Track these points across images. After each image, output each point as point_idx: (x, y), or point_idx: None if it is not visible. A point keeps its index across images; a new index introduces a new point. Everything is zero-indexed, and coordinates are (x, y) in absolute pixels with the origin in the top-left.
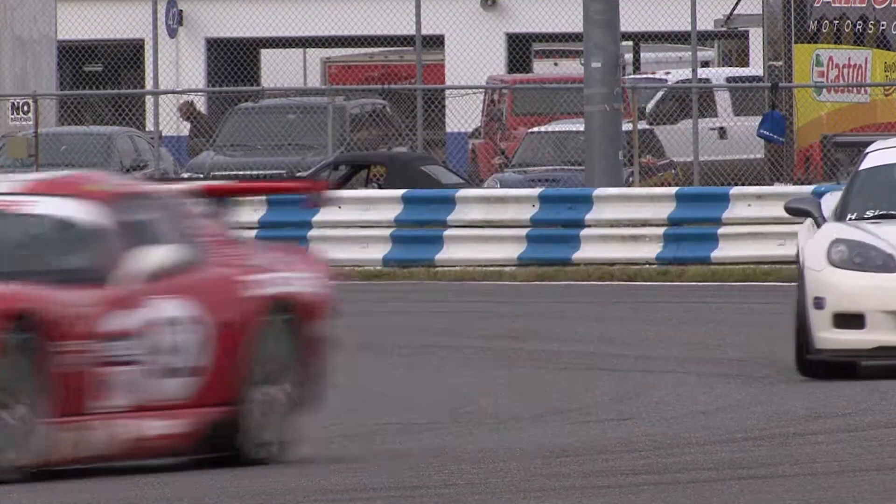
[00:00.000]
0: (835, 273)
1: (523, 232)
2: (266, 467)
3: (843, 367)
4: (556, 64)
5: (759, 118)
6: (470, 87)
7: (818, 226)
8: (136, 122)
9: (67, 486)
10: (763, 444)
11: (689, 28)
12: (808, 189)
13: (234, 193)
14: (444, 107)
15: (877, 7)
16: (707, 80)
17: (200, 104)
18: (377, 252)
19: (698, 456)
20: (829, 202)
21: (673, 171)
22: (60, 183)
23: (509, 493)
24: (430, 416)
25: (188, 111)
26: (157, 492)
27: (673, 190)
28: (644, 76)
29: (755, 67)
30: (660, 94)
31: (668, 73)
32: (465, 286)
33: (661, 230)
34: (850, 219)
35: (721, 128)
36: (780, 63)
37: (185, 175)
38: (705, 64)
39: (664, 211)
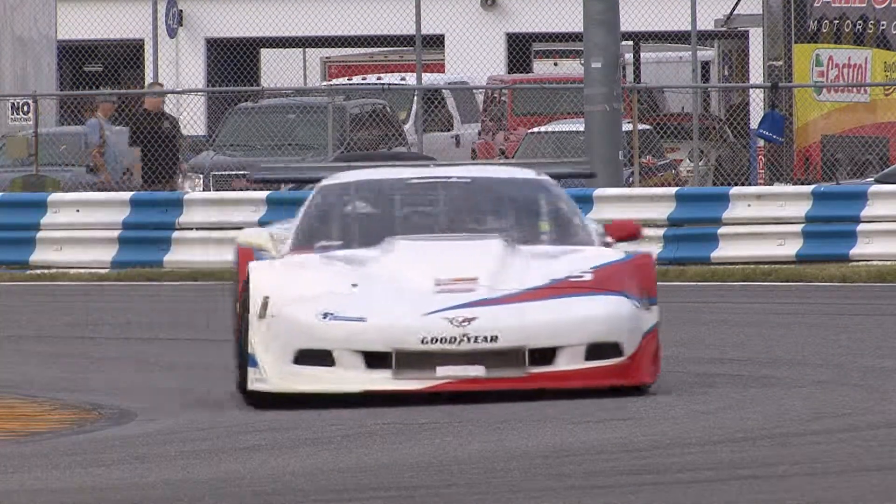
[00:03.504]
0: None
1: None
2: (266, 467)
3: None
4: (556, 64)
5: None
6: (469, 87)
7: None
8: None
9: (67, 486)
10: (763, 444)
11: (689, 28)
12: (807, 189)
13: None
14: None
15: (877, 7)
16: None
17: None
18: None
19: (698, 456)
20: None
21: (673, 171)
22: None
23: (509, 493)
24: (430, 416)
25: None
26: (157, 492)
27: (673, 190)
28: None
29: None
30: (415, 100)
31: (379, 78)
32: None
33: (661, 230)
34: None
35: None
36: (780, 63)
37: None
38: (705, 64)
39: (664, 211)
